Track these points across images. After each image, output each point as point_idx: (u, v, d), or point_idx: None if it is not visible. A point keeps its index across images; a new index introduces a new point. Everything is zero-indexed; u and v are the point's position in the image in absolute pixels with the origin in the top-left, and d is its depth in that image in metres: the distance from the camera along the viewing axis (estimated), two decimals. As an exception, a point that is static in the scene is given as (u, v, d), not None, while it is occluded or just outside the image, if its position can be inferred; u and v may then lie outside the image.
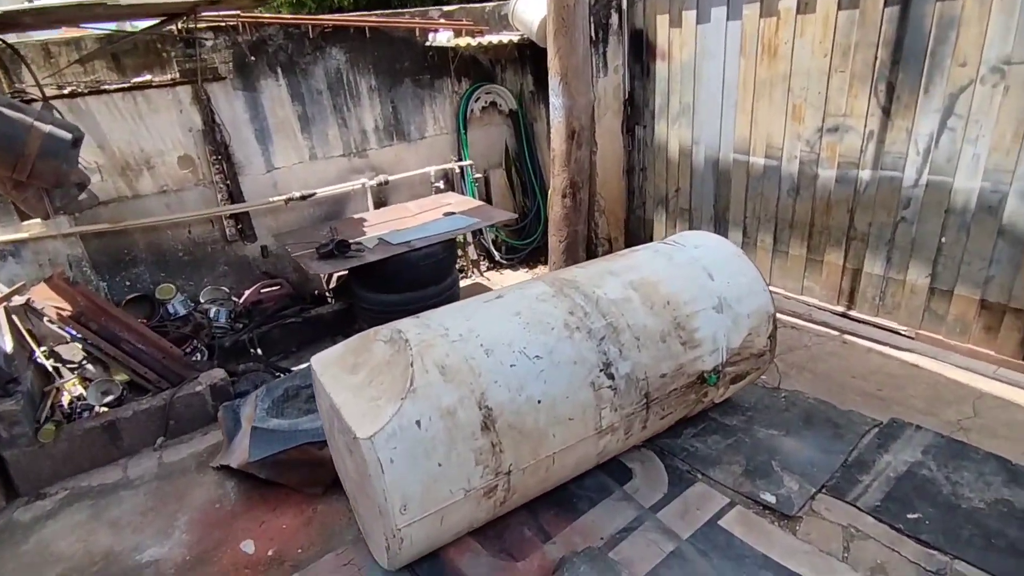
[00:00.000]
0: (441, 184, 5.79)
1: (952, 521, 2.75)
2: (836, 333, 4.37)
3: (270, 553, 2.95)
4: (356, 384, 2.58)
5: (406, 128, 5.59)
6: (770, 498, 2.96)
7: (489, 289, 5.87)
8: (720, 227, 5.15)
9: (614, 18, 5.36)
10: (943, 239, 3.79)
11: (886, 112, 3.87)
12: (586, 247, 5.73)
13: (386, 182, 5.40)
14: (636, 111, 5.59)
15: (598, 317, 2.88)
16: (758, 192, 4.76)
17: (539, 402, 2.60)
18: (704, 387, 3.14)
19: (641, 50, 5.32)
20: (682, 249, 3.41)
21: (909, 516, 2.79)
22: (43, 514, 3.34)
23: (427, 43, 5.44)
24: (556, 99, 4.71)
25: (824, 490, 3.00)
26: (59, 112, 3.89)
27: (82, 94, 4.07)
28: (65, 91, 4.01)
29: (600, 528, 2.88)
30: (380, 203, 5.51)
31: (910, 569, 2.55)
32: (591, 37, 5.26)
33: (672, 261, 3.30)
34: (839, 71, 4.01)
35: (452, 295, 4.65)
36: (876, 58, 3.81)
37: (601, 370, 2.77)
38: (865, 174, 4.07)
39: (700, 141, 5.09)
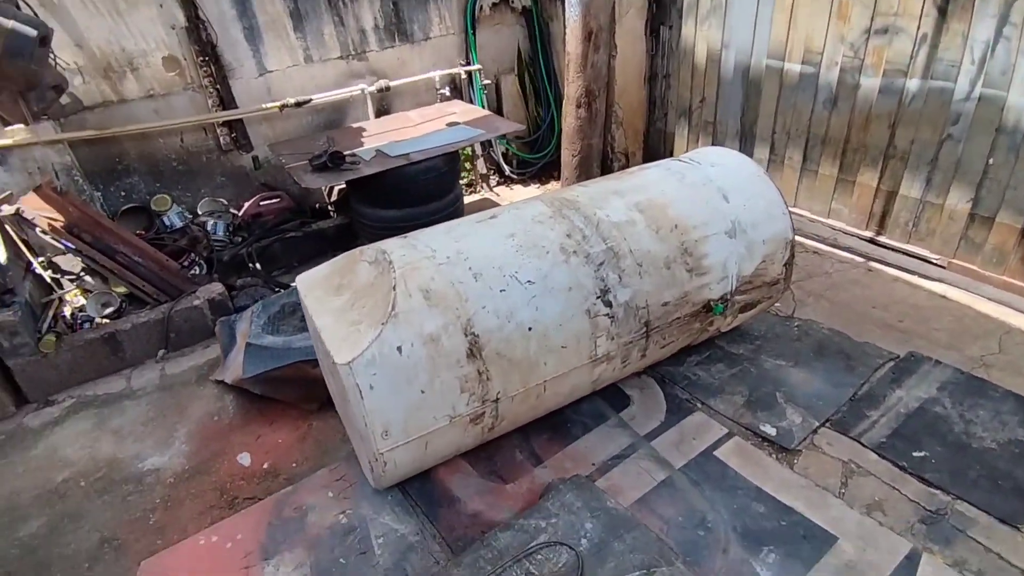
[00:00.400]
0: (447, 91, 5.41)
1: (960, 461, 2.63)
2: (861, 260, 4.10)
3: (265, 466, 2.99)
4: (339, 307, 2.47)
5: (409, 27, 5.15)
6: (770, 430, 2.87)
7: (498, 206, 5.64)
8: (746, 142, 4.76)
9: None
10: (991, 160, 3.42)
11: (942, 12, 3.38)
12: (601, 162, 5.41)
13: (387, 88, 5.05)
14: (662, 9, 5.05)
15: (598, 241, 2.68)
16: (791, 104, 4.33)
17: (530, 329, 2.47)
18: (710, 316, 2.98)
19: (671, -65, 4.72)
20: (697, 168, 3.13)
21: (915, 454, 2.68)
22: (51, 420, 3.43)
23: (431, -73, 4.89)
24: (572, -7, 4.25)
25: (828, 424, 2.89)
26: (29, 6, 3.62)
27: (53, -15, 3.76)
28: (34, -19, 3.70)
29: (592, 454, 2.84)
30: (382, 111, 5.19)
31: (908, 507, 2.47)
32: (614, -80, 4.67)
33: (684, 181, 3.03)
34: (896, -41, 3.49)
35: (455, 211, 4.45)
36: (940, -57, 3.29)
37: (598, 297, 2.60)
38: (913, 84, 3.63)
39: (730, 45, 4.59)
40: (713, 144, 5.04)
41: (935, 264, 3.85)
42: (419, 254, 2.52)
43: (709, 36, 4.72)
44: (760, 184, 3.09)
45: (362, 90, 4.94)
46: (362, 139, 4.47)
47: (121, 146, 4.29)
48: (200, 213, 4.61)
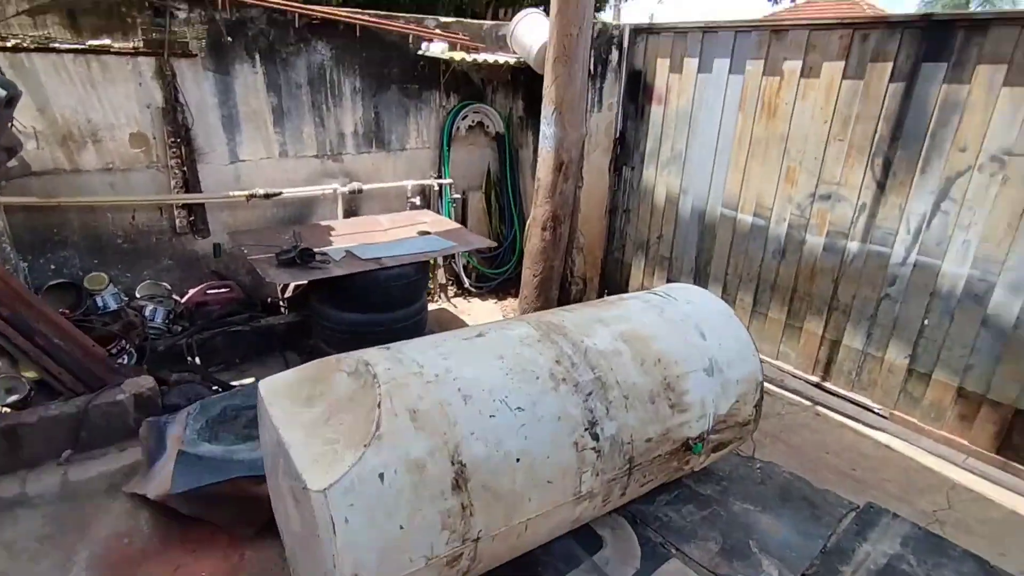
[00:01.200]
0: (417, 200, 5.49)
1: (933, 624, 2.60)
2: (809, 403, 4.28)
3: (181, 606, 2.52)
4: (310, 420, 2.23)
5: (387, 137, 5.29)
6: (747, 583, 2.76)
7: (456, 317, 5.57)
8: (700, 280, 5.05)
9: (614, 55, 5.27)
10: (926, 321, 3.76)
11: (880, 187, 3.85)
12: (560, 284, 5.54)
13: (359, 190, 5.06)
14: (626, 151, 5.48)
15: (586, 369, 2.63)
16: (743, 250, 4.68)
17: (517, 460, 2.31)
18: (687, 454, 2.93)
19: (637, 91, 5.23)
20: (673, 303, 3.23)
21: (890, 615, 2.63)
22: (-90, 531, 2.79)
23: (419, 52, 5.19)
24: (548, 128, 4.54)
25: (803, 578, 2.81)
26: (-2, 66, 3.43)
27: (27, 49, 3.59)
28: (8, 43, 3.53)
29: (565, 604, 2.60)
30: (350, 212, 5.16)
31: (893, 678, 2.37)
32: (590, 71, 5.14)
33: (663, 315, 3.10)
34: (837, 139, 3.99)
35: (420, 321, 4.33)
36: (876, 132, 3.80)
37: (586, 429, 2.51)
38: (853, 246, 4.03)
39: (688, 191, 5.00)
40: (668, 279, 5.31)
41: (877, 414, 4.07)
42: (405, 369, 2.36)
43: (669, 181, 5.12)
44: (732, 324, 3.21)
45: (334, 190, 4.92)
46: (330, 237, 4.37)
47: (64, 216, 3.97)
48: (138, 296, 4.23)
